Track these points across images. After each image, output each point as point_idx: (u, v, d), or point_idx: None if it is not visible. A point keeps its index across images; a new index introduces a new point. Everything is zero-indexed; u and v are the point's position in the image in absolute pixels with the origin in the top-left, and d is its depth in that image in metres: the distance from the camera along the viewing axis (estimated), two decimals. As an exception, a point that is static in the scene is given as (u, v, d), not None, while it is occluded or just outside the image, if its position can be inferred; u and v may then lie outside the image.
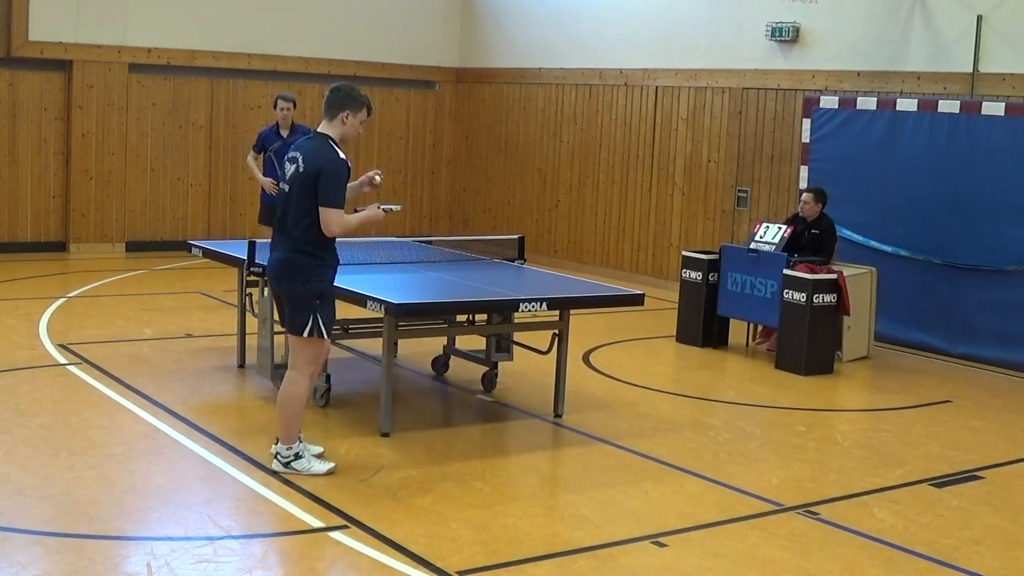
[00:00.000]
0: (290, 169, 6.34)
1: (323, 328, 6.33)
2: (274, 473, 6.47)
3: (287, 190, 6.35)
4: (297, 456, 6.48)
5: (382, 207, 6.58)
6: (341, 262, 8.34)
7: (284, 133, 11.04)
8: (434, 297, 7.67)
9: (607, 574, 5.39)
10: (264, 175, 11.00)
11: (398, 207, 6.87)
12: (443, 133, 17.11)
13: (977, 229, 10.50)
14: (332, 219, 6.18)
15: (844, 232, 10.95)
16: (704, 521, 6.11)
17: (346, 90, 6.39)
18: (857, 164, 11.33)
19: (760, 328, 10.77)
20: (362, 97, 6.40)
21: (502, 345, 8.57)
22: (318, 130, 6.42)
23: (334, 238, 6.32)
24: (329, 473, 6.47)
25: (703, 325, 10.70)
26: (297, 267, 6.30)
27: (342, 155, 6.30)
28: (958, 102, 10.67)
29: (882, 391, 9.58)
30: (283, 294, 6.44)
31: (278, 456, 6.51)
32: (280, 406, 6.49)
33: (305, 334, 6.32)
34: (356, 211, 6.50)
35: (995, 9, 10.82)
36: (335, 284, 6.54)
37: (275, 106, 11.17)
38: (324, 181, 6.17)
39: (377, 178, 6.70)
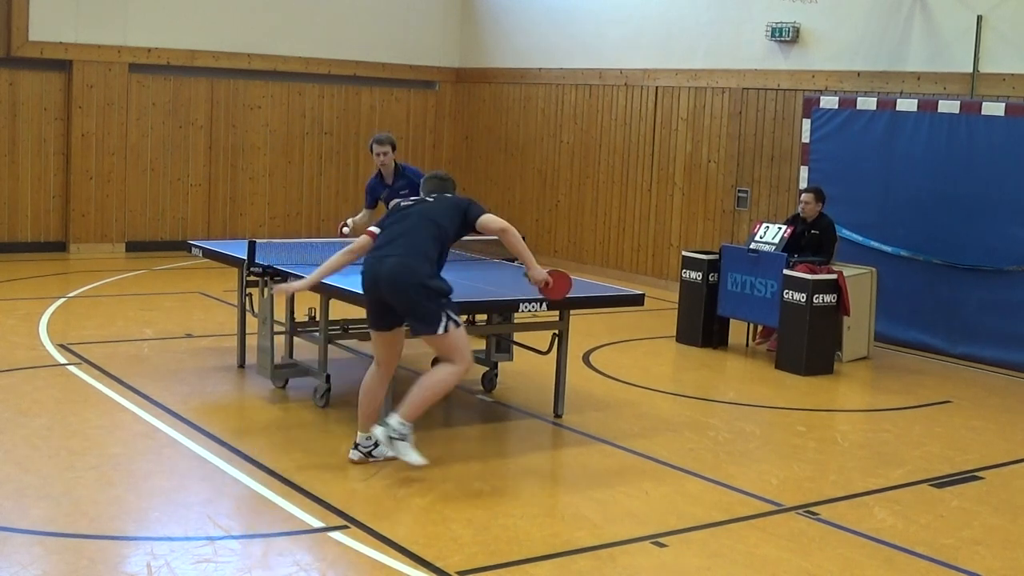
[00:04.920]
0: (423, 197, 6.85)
1: (455, 318, 6.47)
2: (273, 472, 6.47)
3: (425, 205, 6.72)
4: (404, 436, 6.45)
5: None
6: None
7: (389, 180, 9.43)
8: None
9: (607, 574, 5.39)
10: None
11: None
12: (443, 133, 17.11)
13: (977, 229, 10.51)
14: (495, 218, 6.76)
15: (844, 232, 10.95)
16: (704, 521, 6.11)
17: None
18: (857, 164, 11.33)
19: (760, 328, 10.77)
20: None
21: (502, 345, 8.57)
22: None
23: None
24: (419, 465, 6.48)
25: (703, 325, 10.70)
26: (417, 269, 6.42)
27: None
28: (958, 102, 10.67)
29: (882, 391, 9.58)
30: (403, 297, 6.44)
31: (388, 425, 6.42)
32: (428, 386, 6.50)
33: (440, 330, 6.40)
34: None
35: (995, 9, 10.82)
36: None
37: (371, 151, 9.51)
38: (473, 205, 6.79)
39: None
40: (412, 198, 7.01)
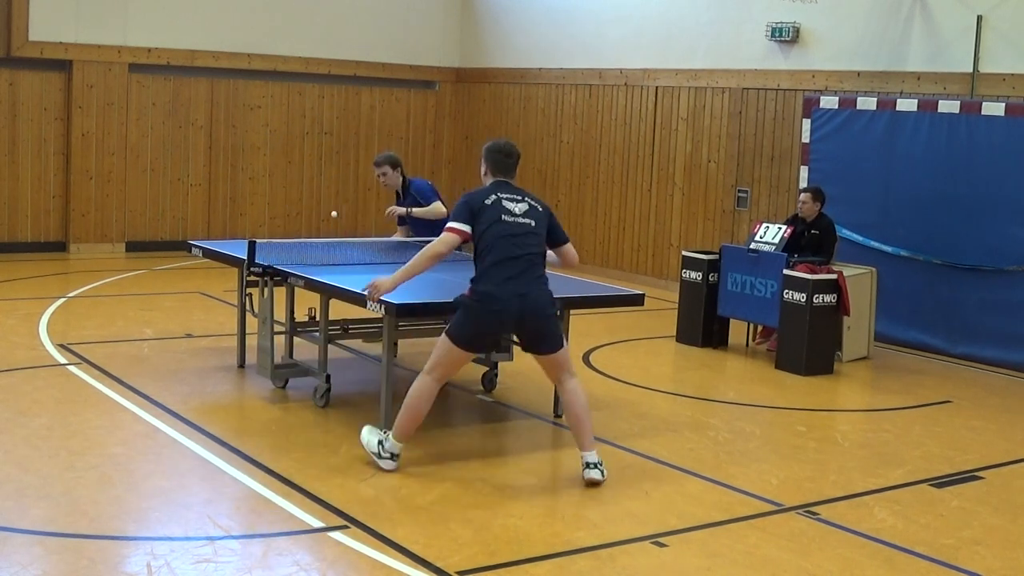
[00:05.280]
0: (522, 208, 6.59)
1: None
2: (273, 472, 6.47)
3: (531, 228, 6.55)
4: (599, 462, 6.60)
5: None
6: (342, 262, 8.43)
7: (403, 197, 9.30)
8: (434, 297, 7.65)
9: (607, 574, 5.39)
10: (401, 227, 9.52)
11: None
12: (443, 133, 17.11)
13: (977, 229, 10.51)
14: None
15: (844, 232, 10.96)
16: (704, 521, 6.12)
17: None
18: (857, 164, 11.33)
19: (760, 328, 10.77)
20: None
21: (502, 345, 8.56)
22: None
23: None
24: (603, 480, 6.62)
25: (703, 325, 10.70)
26: (551, 296, 6.63)
27: None
28: (958, 102, 10.67)
29: (882, 391, 9.58)
30: (545, 325, 6.55)
31: (599, 466, 6.57)
32: (582, 413, 6.61)
33: (566, 343, 6.70)
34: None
35: (995, 9, 10.82)
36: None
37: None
38: (555, 220, 6.81)
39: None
40: (513, 209, 6.52)
